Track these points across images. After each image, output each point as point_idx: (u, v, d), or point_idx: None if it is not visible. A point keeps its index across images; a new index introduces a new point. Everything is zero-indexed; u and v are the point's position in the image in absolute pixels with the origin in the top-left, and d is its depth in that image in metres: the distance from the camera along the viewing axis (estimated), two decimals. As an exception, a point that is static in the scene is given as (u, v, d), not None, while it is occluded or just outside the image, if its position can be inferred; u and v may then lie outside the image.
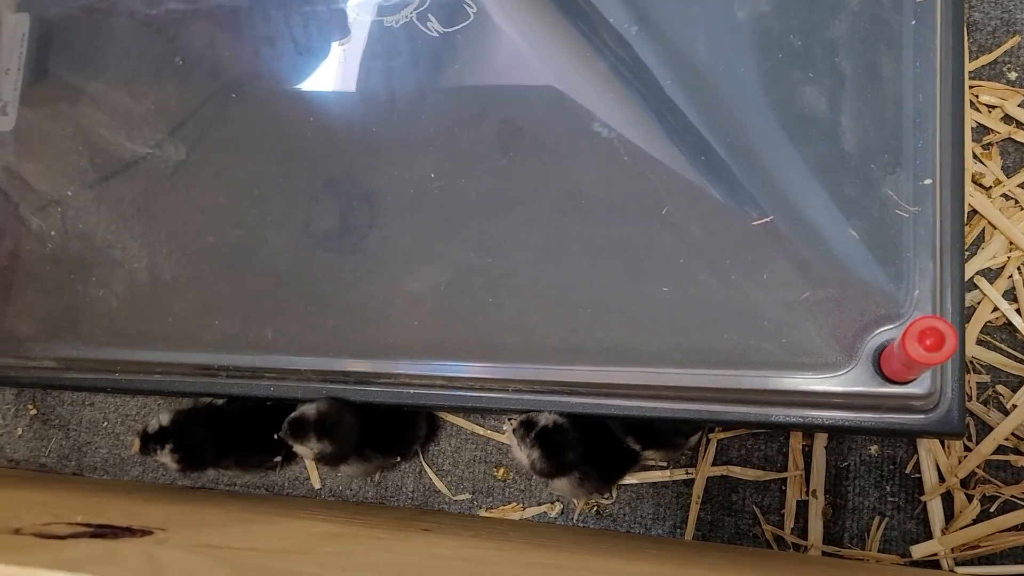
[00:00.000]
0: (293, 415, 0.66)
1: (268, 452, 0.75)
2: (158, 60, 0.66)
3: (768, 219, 0.58)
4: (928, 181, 0.56)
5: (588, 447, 0.64)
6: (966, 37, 0.70)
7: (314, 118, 0.68)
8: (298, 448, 0.67)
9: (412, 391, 0.66)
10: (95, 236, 0.67)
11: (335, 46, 0.70)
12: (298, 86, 0.70)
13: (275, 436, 0.67)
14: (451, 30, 0.68)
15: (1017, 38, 0.71)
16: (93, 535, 0.51)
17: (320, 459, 0.71)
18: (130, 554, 0.45)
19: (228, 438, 0.73)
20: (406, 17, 0.69)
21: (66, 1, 0.71)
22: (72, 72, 0.69)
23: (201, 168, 0.67)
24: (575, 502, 0.73)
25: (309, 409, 0.65)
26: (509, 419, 0.72)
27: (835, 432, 0.67)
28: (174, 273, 0.67)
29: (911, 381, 0.55)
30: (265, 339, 0.67)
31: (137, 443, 0.72)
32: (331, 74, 0.70)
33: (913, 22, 0.58)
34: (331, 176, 0.67)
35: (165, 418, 0.72)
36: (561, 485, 0.67)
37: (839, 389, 0.56)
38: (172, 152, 0.65)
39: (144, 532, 0.53)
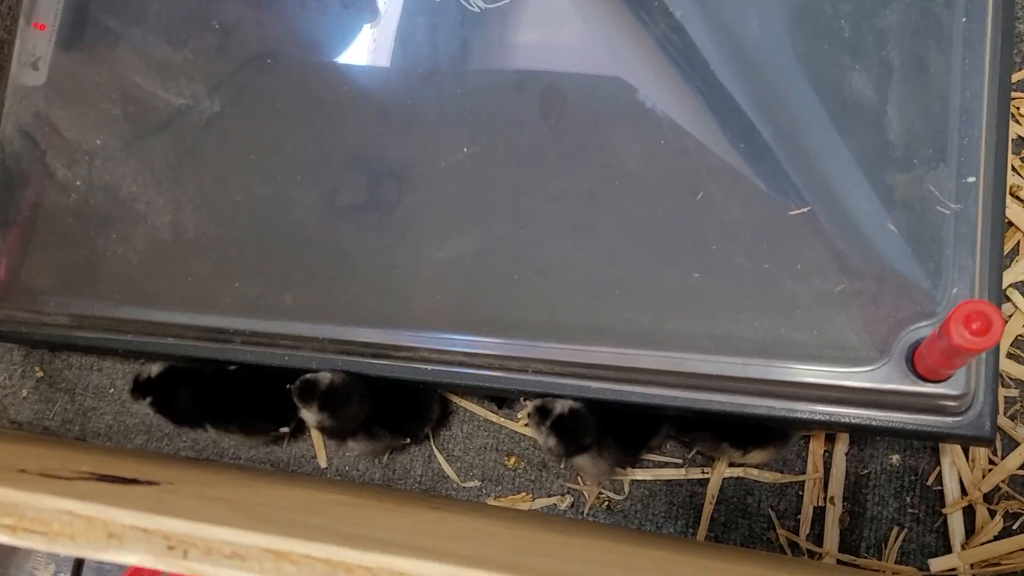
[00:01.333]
0: (308, 376, 0.64)
1: (274, 421, 0.73)
2: (195, 22, 0.66)
3: (806, 209, 0.57)
4: (972, 179, 0.55)
5: (606, 423, 0.63)
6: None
7: (348, 87, 0.68)
8: (302, 412, 0.66)
9: (430, 367, 0.64)
10: (120, 189, 0.66)
11: (374, 17, 0.70)
12: (335, 55, 0.69)
13: (287, 386, 0.66)
14: (493, 6, 0.67)
15: (1062, 52, 0.70)
16: (100, 480, 0.50)
17: (321, 430, 0.70)
18: (139, 495, 0.44)
19: (230, 403, 0.72)
20: (448, -8, 0.68)
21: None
22: (111, 21, 0.69)
23: (233, 128, 0.66)
24: (585, 495, 0.72)
25: (324, 376, 0.64)
26: (524, 400, 0.70)
27: (862, 432, 0.65)
28: (197, 231, 0.66)
29: (945, 380, 0.53)
30: (284, 305, 0.66)
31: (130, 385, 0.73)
32: (368, 45, 0.69)
33: (964, 19, 0.57)
34: (362, 145, 0.67)
35: (156, 368, 0.72)
36: (581, 462, 0.65)
37: (870, 385, 0.55)
38: (206, 107, 0.64)
39: (151, 483, 0.52)
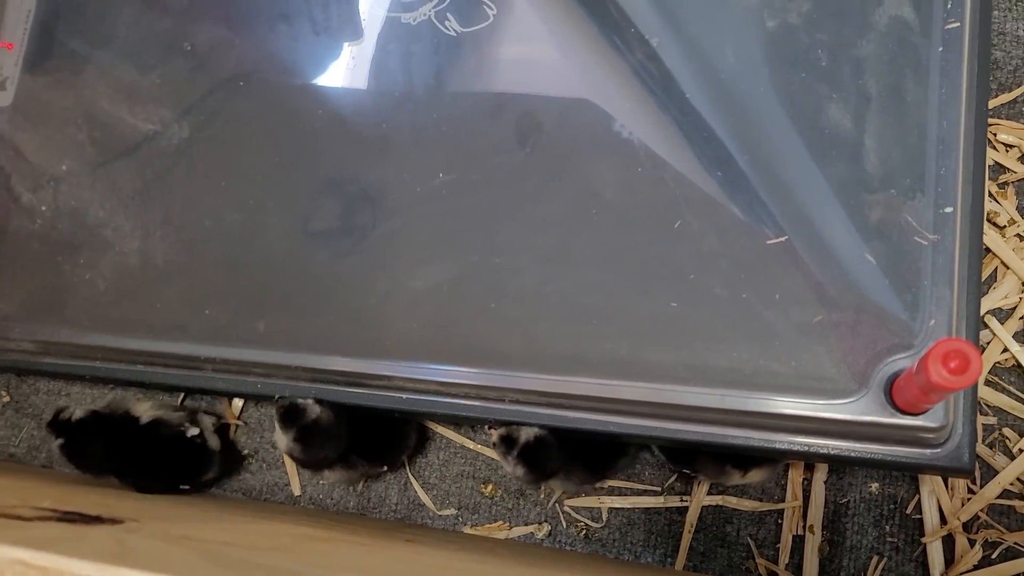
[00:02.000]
0: (299, 402, 0.63)
1: (174, 479, 0.73)
2: (167, 39, 0.64)
3: (784, 238, 0.56)
4: (949, 209, 0.55)
5: (573, 447, 0.63)
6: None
7: (323, 111, 0.67)
8: (276, 433, 0.65)
9: (405, 396, 0.63)
10: (87, 215, 0.65)
11: (350, 40, 0.69)
12: (309, 78, 0.68)
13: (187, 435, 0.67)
14: (469, 30, 0.66)
15: (1038, 78, 0.70)
16: (60, 520, 0.48)
17: (290, 457, 0.69)
18: (100, 538, 0.43)
19: (129, 455, 0.72)
20: (424, 15, 0.68)
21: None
22: (78, 46, 0.68)
23: (203, 153, 0.65)
24: (563, 523, 0.71)
25: (312, 409, 0.63)
26: (489, 428, 0.69)
27: (841, 463, 0.65)
28: (166, 258, 0.65)
29: (923, 412, 0.53)
30: (256, 332, 0.65)
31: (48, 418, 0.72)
32: (343, 68, 0.68)
33: (940, 48, 0.57)
34: (336, 170, 0.66)
35: (78, 412, 0.71)
36: (551, 484, 0.65)
37: (848, 417, 0.54)
38: (175, 132, 0.63)
39: (115, 521, 0.50)
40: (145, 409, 0.73)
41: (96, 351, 0.69)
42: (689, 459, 0.65)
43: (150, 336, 0.66)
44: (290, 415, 0.64)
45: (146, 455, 0.72)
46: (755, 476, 0.64)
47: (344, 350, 0.63)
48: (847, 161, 0.56)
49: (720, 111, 0.56)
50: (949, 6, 0.57)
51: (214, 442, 0.73)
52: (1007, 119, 0.71)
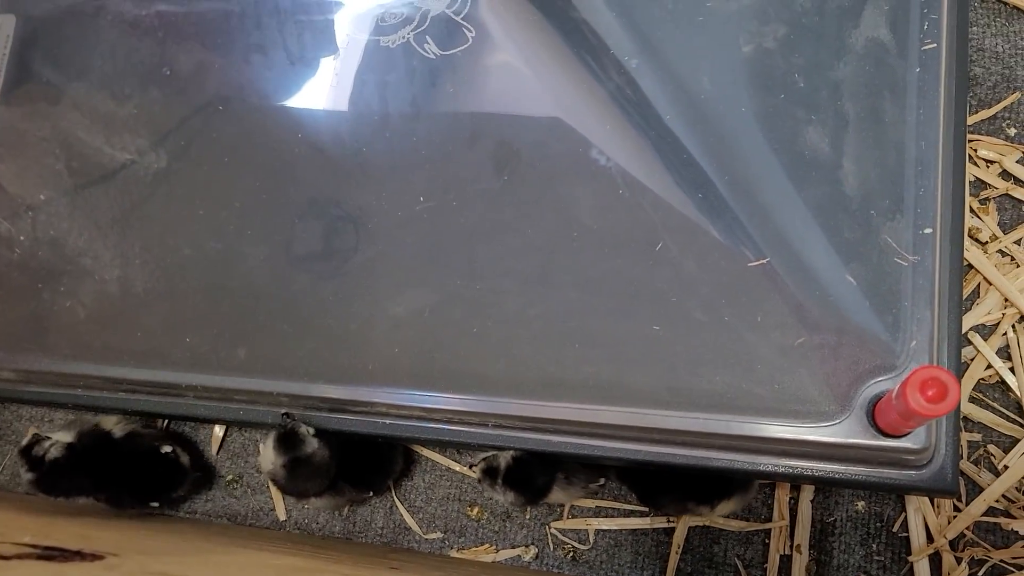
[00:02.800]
0: (300, 430, 0.63)
1: (147, 495, 0.73)
2: (144, 69, 0.64)
3: (765, 261, 0.56)
4: (928, 230, 0.55)
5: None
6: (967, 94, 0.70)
7: (302, 135, 0.67)
8: (265, 450, 0.64)
9: (388, 421, 0.63)
10: (66, 244, 0.65)
11: (328, 63, 0.68)
12: (288, 101, 0.68)
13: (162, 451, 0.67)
14: (448, 53, 0.66)
15: (1017, 94, 0.71)
16: (40, 556, 0.48)
17: (272, 482, 0.69)
18: (76, 578, 0.42)
19: (103, 471, 0.71)
20: (403, 38, 0.67)
21: (54, 4, 0.69)
22: (55, 76, 0.67)
23: (182, 179, 0.64)
24: (550, 546, 0.70)
25: (311, 443, 0.63)
26: (472, 467, 0.69)
27: (824, 484, 0.65)
28: (146, 286, 0.64)
29: (905, 435, 0.53)
30: (237, 359, 0.64)
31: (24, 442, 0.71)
32: (322, 91, 0.68)
33: (917, 69, 0.57)
34: (316, 194, 0.65)
35: (53, 452, 0.69)
36: (555, 496, 0.65)
37: (831, 440, 0.54)
38: (152, 161, 0.63)
39: (95, 556, 0.50)
40: (114, 423, 0.72)
41: (78, 379, 0.68)
42: (655, 498, 0.66)
43: (131, 364, 0.66)
44: (287, 441, 0.63)
45: (120, 470, 0.71)
46: (725, 508, 0.64)
47: (325, 376, 0.63)
48: (826, 183, 0.56)
49: (698, 135, 0.56)
50: (926, 27, 0.57)
51: (185, 459, 0.73)
52: (987, 135, 0.71)
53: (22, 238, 0.66)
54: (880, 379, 0.54)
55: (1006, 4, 0.72)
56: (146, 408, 0.68)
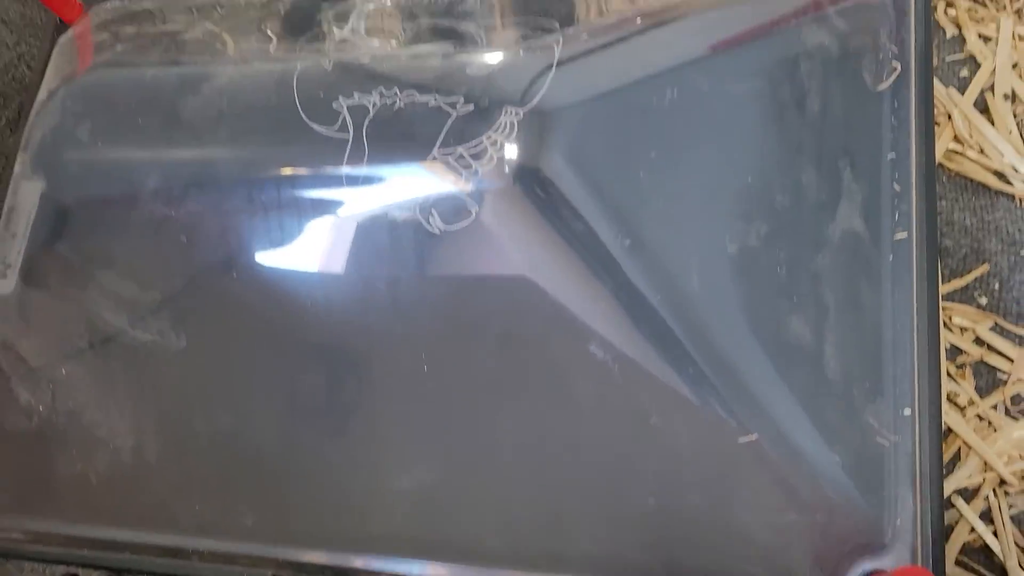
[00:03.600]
0: None
1: None
2: (164, 243, 0.68)
3: (753, 437, 0.59)
4: (907, 411, 0.58)
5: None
6: (939, 265, 0.74)
7: (312, 303, 0.70)
8: None
9: (390, 589, 0.64)
10: (83, 415, 0.67)
11: (335, 232, 0.72)
12: (298, 269, 0.71)
13: None
14: (452, 228, 0.70)
15: (986, 266, 0.75)
16: None
17: None
18: None
19: None
20: (410, 211, 0.71)
21: (83, 173, 0.73)
22: (78, 244, 0.71)
23: (197, 356, 0.67)
24: None
25: None
26: None
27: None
28: (158, 455, 0.66)
29: (894, 615, 0.55)
30: (243, 525, 0.66)
31: None
32: (329, 261, 0.71)
33: (891, 257, 0.61)
34: (324, 365, 0.68)
35: None
36: None
37: (822, 616, 0.56)
38: (172, 342, 0.66)
39: None
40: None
41: (85, 541, 0.69)
42: None
43: (139, 528, 0.68)
44: None
45: None
46: None
47: (328, 543, 0.65)
48: (811, 366, 0.59)
49: (689, 324, 0.60)
50: (897, 217, 0.62)
51: None
52: (960, 302, 0.75)
53: (41, 408, 0.68)
54: (868, 558, 0.56)
55: (971, 180, 0.78)
56: (151, 569, 0.69)
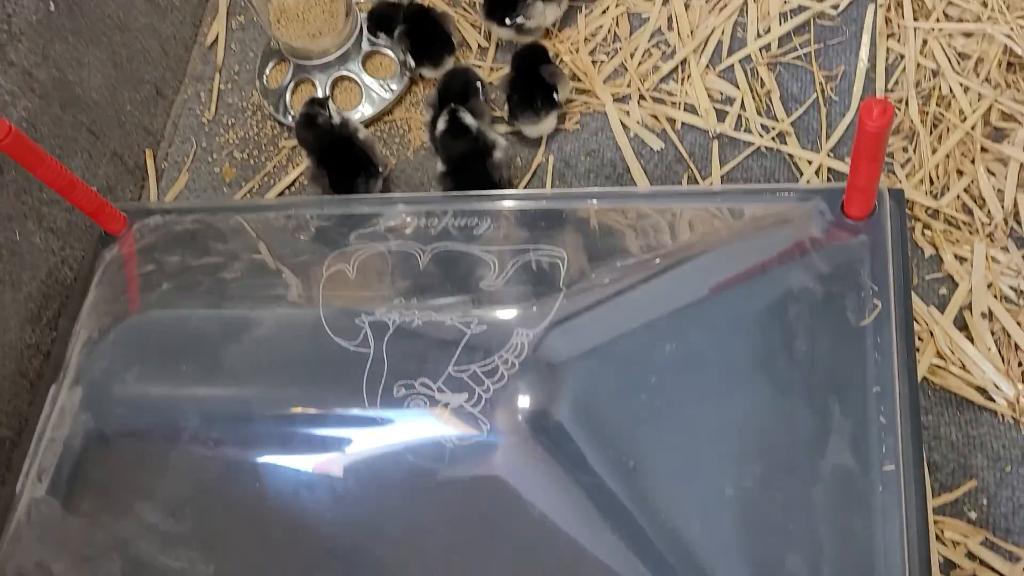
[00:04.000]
0: None
1: None
2: (199, 476, 0.73)
3: (756, 667, 0.62)
4: (904, 641, 0.61)
5: None
6: (928, 479, 0.78)
7: (334, 543, 0.73)
8: None
9: None
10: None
11: (361, 479, 0.76)
12: (322, 508, 0.75)
13: None
14: (465, 443, 0.75)
15: (974, 482, 0.79)
16: None
17: None
18: None
19: None
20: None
21: (129, 411, 0.79)
22: (119, 474, 0.76)
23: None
24: None
25: None
26: None
27: None
28: None
29: None
30: None
31: None
32: (355, 507, 0.75)
33: (880, 488, 0.65)
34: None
35: None
36: None
37: None
38: (200, 568, 0.70)
39: None
40: None
41: None
42: None
43: None
44: None
45: None
46: None
47: None
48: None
49: (683, 557, 0.64)
50: (884, 450, 0.66)
51: None
52: (951, 516, 0.78)
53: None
54: None
55: (955, 395, 0.83)
56: None
